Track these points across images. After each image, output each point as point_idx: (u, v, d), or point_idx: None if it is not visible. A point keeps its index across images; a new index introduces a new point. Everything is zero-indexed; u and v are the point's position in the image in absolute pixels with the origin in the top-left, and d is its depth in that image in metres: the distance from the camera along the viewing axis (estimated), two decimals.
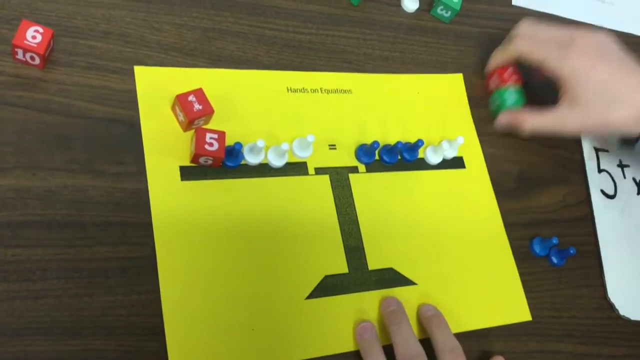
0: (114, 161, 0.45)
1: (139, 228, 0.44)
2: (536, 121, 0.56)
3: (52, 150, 0.44)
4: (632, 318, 0.57)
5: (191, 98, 0.47)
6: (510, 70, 0.59)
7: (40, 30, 0.44)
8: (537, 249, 0.56)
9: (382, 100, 0.57)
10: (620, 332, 0.56)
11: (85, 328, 0.40)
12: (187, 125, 0.47)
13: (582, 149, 0.64)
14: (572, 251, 0.54)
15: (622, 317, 0.56)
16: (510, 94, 0.58)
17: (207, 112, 0.47)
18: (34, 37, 0.44)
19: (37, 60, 0.45)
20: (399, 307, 0.48)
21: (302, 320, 0.46)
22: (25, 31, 0.44)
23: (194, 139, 0.46)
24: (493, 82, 0.60)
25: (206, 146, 0.46)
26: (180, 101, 0.46)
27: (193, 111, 0.46)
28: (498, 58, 0.59)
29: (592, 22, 0.73)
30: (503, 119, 0.58)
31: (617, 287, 0.57)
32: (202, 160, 0.46)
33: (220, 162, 0.47)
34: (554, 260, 0.56)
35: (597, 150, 0.64)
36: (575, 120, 0.54)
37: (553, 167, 0.62)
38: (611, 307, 0.56)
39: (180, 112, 0.47)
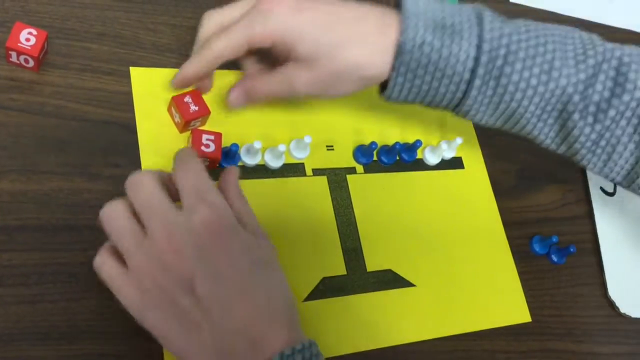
0: (110, 164, 0.45)
1: None
2: (265, 86, 0.47)
3: (47, 153, 0.43)
4: (633, 315, 0.56)
5: (187, 99, 0.46)
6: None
7: (34, 32, 0.44)
8: (537, 247, 0.55)
9: (380, 100, 0.56)
10: (621, 330, 0.56)
11: (83, 332, 0.40)
12: (184, 126, 0.46)
13: None
14: (572, 249, 0.54)
15: (622, 315, 0.56)
16: None
17: (204, 113, 0.47)
18: (27, 40, 0.44)
19: (31, 63, 0.44)
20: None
21: (300, 323, 0.45)
22: (19, 33, 0.44)
23: (189, 141, 0.46)
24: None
25: (202, 147, 0.46)
26: (176, 102, 0.46)
27: (189, 112, 0.46)
28: (191, 70, 0.46)
29: (590, 19, 0.72)
30: (235, 94, 0.48)
31: (618, 285, 0.57)
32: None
33: (217, 164, 0.47)
34: (554, 258, 0.56)
35: None
36: (304, 77, 0.45)
37: (552, 165, 0.61)
38: (612, 304, 0.56)
39: (176, 113, 0.46)
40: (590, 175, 0.62)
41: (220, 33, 0.45)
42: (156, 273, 0.35)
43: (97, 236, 0.42)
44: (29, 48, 0.43)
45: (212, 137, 0.46)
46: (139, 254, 0.36)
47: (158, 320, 0.35)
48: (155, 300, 0.35)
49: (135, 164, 0.45)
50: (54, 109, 0.45)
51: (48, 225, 0.41)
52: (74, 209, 0.42)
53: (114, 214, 0.37)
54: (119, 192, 0.43)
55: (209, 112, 0.47)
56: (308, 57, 0.45)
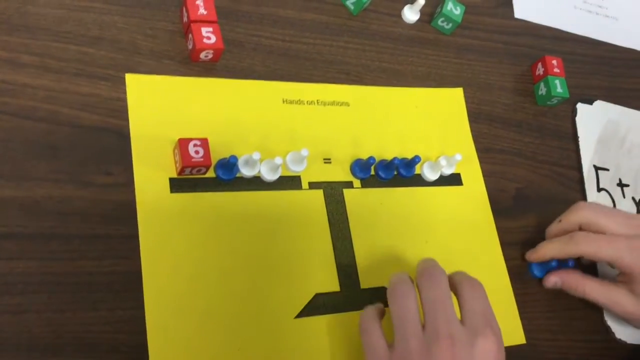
0: (102, 172, 0.44)
1: (125, 241, 0.42)
2: (590, 289, 0.52)
3: (38, 160, 0.42)
4: (629, 341, 0.56)
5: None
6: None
7: None
8: (536, 271, 0.55)
9: (379, 113, 0.56)
10: (616, 357, 0.55)
11: (67, 345, 0.39)
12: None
13: (581, 167, 0.63)
14: (570, 264, 0.53)
15: (618, 341, 0.55)
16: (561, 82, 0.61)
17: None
18: None
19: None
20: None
21: (291, 340, 0.44)
22: None
23: (177, 151, 0.45)
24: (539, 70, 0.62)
25: (192, 154, 0.44)
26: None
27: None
28: (553, 251, 0.52)
29: (595, 37, 0.72)
30: (553, 279, 0.53)
31: None
32: (189, 171, 0.45)
33: (207, 170, 0.46)
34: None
35: (596, 168, 0.63)
36: (632, 308, 0.51)
37: (552, 185, 0.61)
38: (607, 330, 0.56)
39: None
40: (590, 196, 0.62)
41: (593, 237, 0.50)
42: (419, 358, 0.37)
43: (87, 246, 0.41)
44: None
45: (199, 143, 0.45)
46: (414, 340, 0.38)
47: None
48: None
49: (128, 172, 0.44)
50: (47, 114, 0.44)
51: (36, 233, 0.40)
52: (64, 217, 0.41)
53: (403, 294, 0.40)
54: (110, 200, 0.43)
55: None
56: None
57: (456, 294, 0.42)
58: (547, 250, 0.53)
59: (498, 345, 0.39)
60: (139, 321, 0.41)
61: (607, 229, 0.51)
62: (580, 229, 0.52)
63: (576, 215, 0.53)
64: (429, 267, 0.43)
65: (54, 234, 0.41)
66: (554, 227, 0.54)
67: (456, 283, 0.42)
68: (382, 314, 0.43)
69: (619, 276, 0.52)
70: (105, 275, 0.41)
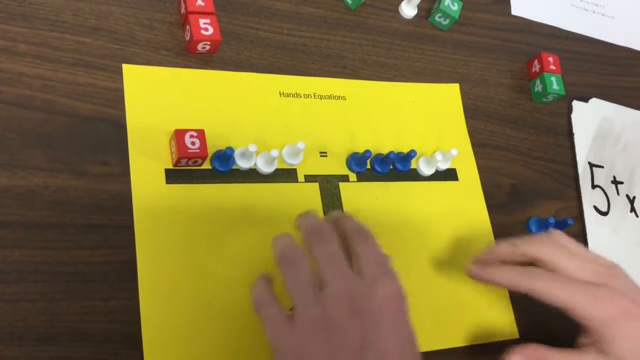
0: (98, 162, 0.44)
1: (120, 231, 0.42)
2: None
3: (34, 149, 0.42)
4: None
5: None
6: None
7: None
8: (534, 228, 0.55)
9: (376, 108, 0.56)
10: None
11: (61, 334, 0.39)
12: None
13: (576, 164, 0.63)
14: (569, 222, 0.53)
15: None
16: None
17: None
18: None
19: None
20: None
21: None
22: None
23: (173, 142, 0.45)
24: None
25: (189, 145, 0.44)
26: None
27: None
28: (502, 279, 0.47)
29: (592, 35, 0.72)
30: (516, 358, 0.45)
31: None
32: (185, 162, 0.45)
33: (203, 161, 0.46)
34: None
35: (591, 165, 0.64)
36: None
37: (546, 181, 0.61)
38: None
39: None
40: (584, 193, 0.62)
41: (542, 274, 0.45)
42: (325, 329, 0.35)
43: (82, 235, 0.41)
44: None
45: (195, 134, 0.45)
46: (313, 306, 0.36)
47: None
48: (317, 354, 0.35)
49: (124, 162, 0.44)
50: (43, 103, 0.44)
51: (31, 222, 0.40)
52: (59, 206, 0.41)
53: (293, 259, 0.38)
54: (106, 191, 0.43)
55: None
56: (617, 357, 0.43)
57: (347, 246, 0.40)
58: (496, 275, 0.47)
59: (397, 289, 0.38)
60: (133, 311, 0.41)
61: (565, 271, 0.46)
62: (532, 262, 0.47)
63: (536, 249, 0.47)
64: (315, 224, 0.40)
65: (49, 223, 0.41)
66: (504, 249, 0.48)
67: (345, 236, 0.40)
68: (271, 282, 0.40)
69: (582, 338, 0.46)
70: (100, 265, 0.41)
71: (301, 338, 0.36)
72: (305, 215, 0.41)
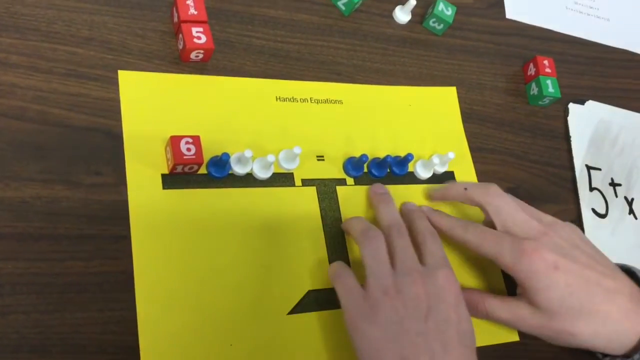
0: (92, 172, 0.43)
1: (114, 242, 0.42)
2: (492, 307, 0.48)
3: (27, 160, 0.42)
4: None
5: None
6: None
7: None
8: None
9: (372, 111, 0.56)
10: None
11: (55, 346, 0.38)
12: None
13: (574, 166, 0.63)
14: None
15: None
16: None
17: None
18: None
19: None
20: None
21: (284, 337, 0.44)
22: None
23: (169, 149, 0.45)
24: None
25: (184, 152, 0.44)
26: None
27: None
28: (442, 225, 0.50)
29: (587, 38, 0.72)
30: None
31: None
32: (181, 168, 0.45)
33: (199, 168, 0.46)
34: None
35: (589, 168, 0.63)
36: (535, 323, 0.47)
37: (544, 184, 0.61)
38: None
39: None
40: (582, 195, 0.61)
41: (476, 227, 0.49)
42: (395, 294, 0.42)
43: (76, 246, 0.41)
44: None
45: (191, 140, 0.45)
46: (385, 278, 0.43)
47: (378, 334, 0.41)
48: (386, 315, 0.41)
49: (118, 172, 0.44)
50: (36, 114, 0.43)
51: (25, 233, 0.40)
52: (53, 217, 0.41)
53: (375, 237, 0.45)
54: (100, 201, 0.43)
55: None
56: (544, 309, 0.46)
57: (417, 242, 0.47)
58: (441, 220, 0.50)
59: (454, 277, 0.45)
60: (128, 322, 0.40)
61: (504, 223, 0.48)
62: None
63: (484, 198, 0.49)
64: (396, 219, 0.48)
65: (42, 234, 0.41)
66: (455, 192, 0.52)
67: (417, 233, 0.48)
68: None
69: (517, 288, 0.49)
70: (94, 276, 0.41)
71: (373, 302, 0.42)
72: (387, 212, 0.49)
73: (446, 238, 0.50)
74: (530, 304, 0.47)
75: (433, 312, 0.42)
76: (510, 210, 0.49)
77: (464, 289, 0.46)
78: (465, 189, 0.51)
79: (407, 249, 0.45)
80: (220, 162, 0.46)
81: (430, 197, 0.54)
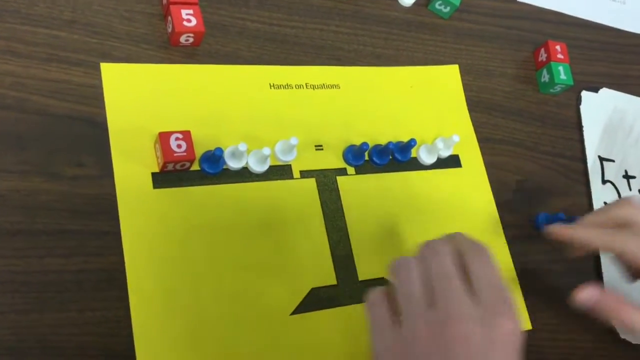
0: (73, 162, 0.41)
1: (97, 238, 0.40)
2: (625, 317, 0.44)
3: (4, 150, 0.40)
4: (633, 342, 0.53)
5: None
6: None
7: None
8: (543, 224, 0.53)
9: (372, 95, 0.53)
10: (620, 357, 0.53)
11: (32, 348, 0.37)
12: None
13: (585, 158, 0.60)
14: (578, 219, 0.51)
15: (621, 340, 0.53)
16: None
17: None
18: None
19: None
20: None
21: (287, 338, 0.42)
22: None
23: (158, 146, 0.42)
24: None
25: (174, 149, 0.42)
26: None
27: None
28: (593, 238, 0.47)
29: (602, 22, 0.70)
30: (584, 295, 0.44)
31: None
32: (172, 166, 0.43)
33: (191, 164, 0.44)
34: None
35: (602, 159, 0.61)
36: None
37: (554, 177, 0.59)
38: (611, 329, 0.53)
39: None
40: (594, 188, 0.59)
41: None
42: (428, 344, 0.34)
43: (55, 242, 0.39)
44: None
45: (181, 136, 0.43)
46: (421, 322, 0.35)
47: None
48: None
49: (101, 163, 0.42)
50: (14, 102, 0.41)
51: (1, 229, 0.38)
52: (31, 212, 0.39)
53: (406, 267, 0.37)
54: (82, 195, 0.41)
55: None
56: None
57: (462, 264, 0.37)
58: (584, 235, 0.47)
59: (516, 327, 0.35)
60: (110, 323, 0.39)
61: None
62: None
63: (630, 212, 0.47)
64: (430, 241, 0.39)
65: (19, 229, 0.39)
66: (595, 216, 0.49)
67: (461, 252, 0.38)
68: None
69: None
70: (74, 274, 0.39)
71: (403, 344, 0.35)
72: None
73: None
74: None
75: None
76: None
77: (601, 291, 0.44)
78: (605, 209, 0.49)
79: (447, 280, 0.36)
80: (214, 157, 0.44)
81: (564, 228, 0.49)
